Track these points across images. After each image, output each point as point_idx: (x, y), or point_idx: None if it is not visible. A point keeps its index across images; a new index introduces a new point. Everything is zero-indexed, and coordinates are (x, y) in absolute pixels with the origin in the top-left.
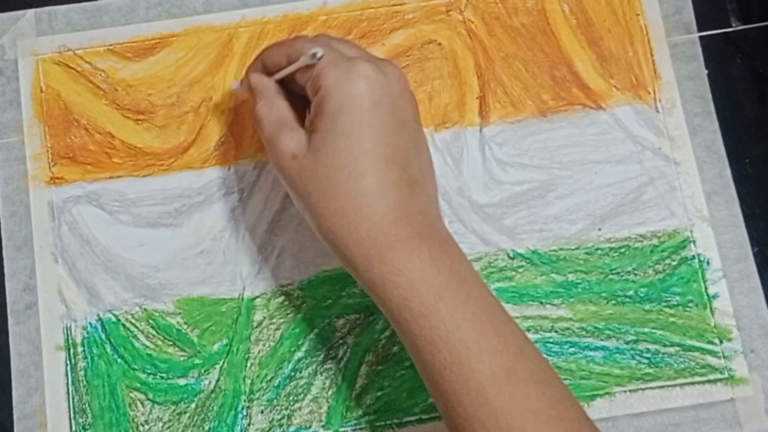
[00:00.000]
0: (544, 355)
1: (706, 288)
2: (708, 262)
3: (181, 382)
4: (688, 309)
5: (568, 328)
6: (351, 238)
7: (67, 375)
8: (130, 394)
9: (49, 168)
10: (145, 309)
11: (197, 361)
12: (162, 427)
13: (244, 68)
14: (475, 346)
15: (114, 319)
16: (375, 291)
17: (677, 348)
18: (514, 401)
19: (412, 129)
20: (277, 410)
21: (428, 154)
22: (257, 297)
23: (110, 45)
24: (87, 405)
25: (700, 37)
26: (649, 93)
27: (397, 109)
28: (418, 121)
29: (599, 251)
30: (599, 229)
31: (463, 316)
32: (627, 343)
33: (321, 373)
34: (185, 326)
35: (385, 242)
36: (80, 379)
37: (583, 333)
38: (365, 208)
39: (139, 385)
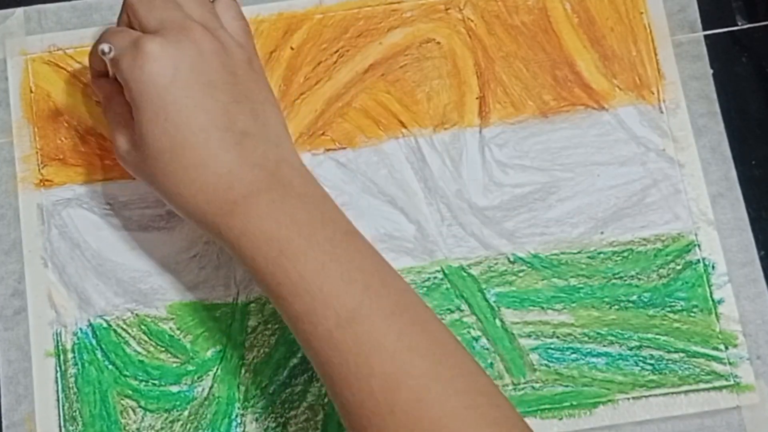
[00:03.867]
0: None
1: (711, 293)
2: (713, 267)
3: (174, 389)
4: (692, 314)
5: (570, 334)
6: (196, 214)
7: (57, 382)
8: (122, 402)
9: (39, 170)
10: (136, 314)
11: (190, 368)
12: None
13: None
14: (319, 293)
15: (105, 325)
16: (233, 255)
17: (682, 354)
18: (360, 340)
19: (229, 83)
20: (272, 418)
21: (263, 96)
22: (252, 302)
23: None
24: (77, 412)
25: (705, 36)
26: (653, 93)
27: (200, 72)
28: (237, 70)
29: (602, 255)
30: (602, 233)
31: (305, 266)
32: (630, 349)
33: (317, 380)
34: (178, 332)
35: (224, 209)
36: (70, 386)
37: (586, 339)
38: (195, 181)
39: (130, 392)
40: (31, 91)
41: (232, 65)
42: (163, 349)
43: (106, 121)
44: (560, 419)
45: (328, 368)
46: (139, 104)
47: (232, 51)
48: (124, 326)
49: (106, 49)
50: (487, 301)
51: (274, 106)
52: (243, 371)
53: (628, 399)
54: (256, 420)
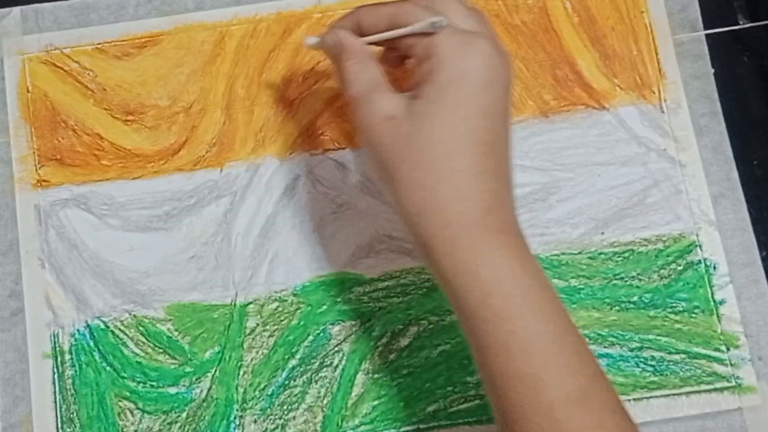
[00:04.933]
0: None
1: (712, 294)
2: (714, 267)
3: (172, 390)
4: (694, 315)
5: None
6: (437, 218)
7: (54, 383)
8: (120, 403)
9: (36, 170)
10: (134, 315)
11: (188, 369)
12: None
13: (324, 27)
14: (554, 361)
15: (103, 326)
16: (452, 280)
17: (683, 355)
18: (586, 427)
19: (507, 121)
20: (270, 420)
21: (509, 139)
22: (250, 303)
23: (98, 43)
24: (75, 414)
25: (707, 35)
26: (654, 93)
27: (503, 97)
28: (508, 106)
29: (602, 256)
30: (602, 233)
31: (546, 327)
32: (631, 350)
33: (316, 382)
34: (176, 333)
35: (475, 231)
36: (68, 387)
37: (586, 340)
38: (460, 189)
39: (128, 393)
40: (28, 91)
41: (510, 106)
42: (161, 350)
43: (341, 76)
44: None
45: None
46: (446, 87)
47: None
48: (122, 327)
49: (444, 23)
50: None
51: (510, 151)
52: (241, 373)
53: (629, 400)
54: (255, 422)
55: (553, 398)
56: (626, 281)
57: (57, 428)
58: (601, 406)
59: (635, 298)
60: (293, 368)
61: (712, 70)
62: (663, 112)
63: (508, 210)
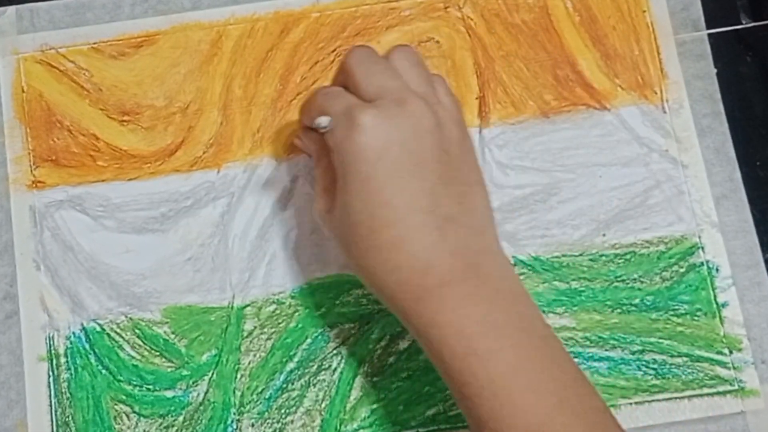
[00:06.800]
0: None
1: (715, 296)
2: (717, 269)
3: (169, 394)
4: (696, 318)
5: (571, 338)
6: (384, 291)
7: (49, 387)
8: (116, 407)
9: (31, 171)
10: (130, 318)
11: (185, 373)
12: None
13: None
14: (507, 400)
15: (98, 329)
16: (420, 343)
17: (685, 359)
18: None
19: (440, 162)
20: (268, 423)
21: (473, 178)
22: (247, 305)
23: (94, 43)
24: (70, 418)
25: (709, 35)
26: (656, 93)
27: (411, 151)
28: (450, 149)
29: (604, 258)
30: (604, 235)
31: (495, 369)
32: (633, 353)
33: (314, 385)
34: (173, 336)
35: (416, 295)
36: (63, 391)
37: (587, 343)
38: (389, 261)
39: (124, 397)
40: (23, 91)
41: (446, 143)
42: (158, 353)
43: (314, 174)
44: None
45: None
46: (344, 175)
47: (447, 128)
48: (118, 330)
49: (324, 123)
50: None
51: (482, 189)
52: (239, 376)
53: (631, 404)
54: (252, 426)
55: None
56: (628, 283)
57: None
58: None
59: (637, 301)
60: (291, 371)
61: (715, 70)
62: (665, 112)
63: (453, 254)
